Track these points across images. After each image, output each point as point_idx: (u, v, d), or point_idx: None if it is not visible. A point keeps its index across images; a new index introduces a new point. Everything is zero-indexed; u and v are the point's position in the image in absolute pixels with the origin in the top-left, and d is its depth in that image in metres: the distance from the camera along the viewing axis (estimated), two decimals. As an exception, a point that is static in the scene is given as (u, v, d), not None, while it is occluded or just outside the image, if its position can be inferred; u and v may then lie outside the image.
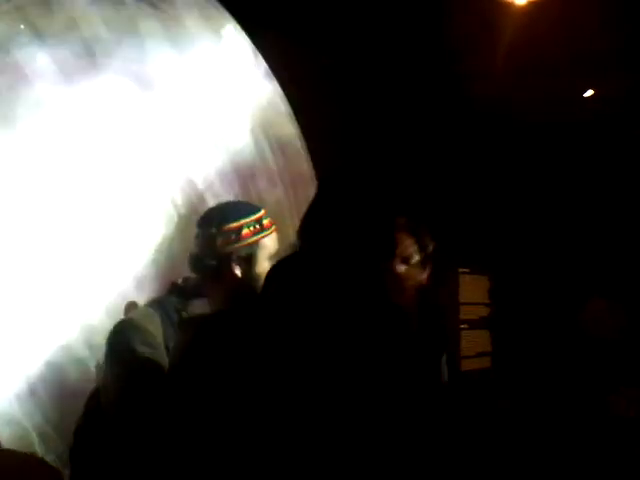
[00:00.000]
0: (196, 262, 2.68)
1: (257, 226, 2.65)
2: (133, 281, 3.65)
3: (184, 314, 2.58)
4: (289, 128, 5.25)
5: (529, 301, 6.30)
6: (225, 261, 2.62)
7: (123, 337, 2.49)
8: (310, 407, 1.73)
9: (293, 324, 1.81)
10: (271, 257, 2.65)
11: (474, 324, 6.67)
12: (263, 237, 2.66)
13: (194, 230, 3.62)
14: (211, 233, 2.65)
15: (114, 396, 2.42)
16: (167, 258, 3.82)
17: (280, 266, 2.01)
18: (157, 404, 2.18)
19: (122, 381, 2.41)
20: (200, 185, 4.17)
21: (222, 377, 1.83)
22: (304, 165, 5.36)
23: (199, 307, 2.61)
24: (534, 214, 6.38)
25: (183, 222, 3.96)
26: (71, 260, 3.40)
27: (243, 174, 4.51)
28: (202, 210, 4.09)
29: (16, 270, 3.20)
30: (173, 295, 2.67)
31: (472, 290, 6.91)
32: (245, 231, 2.63)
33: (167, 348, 2.48)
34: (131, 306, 3.60)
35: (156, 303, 2.64)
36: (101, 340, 3.44)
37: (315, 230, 2.04)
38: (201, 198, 4.13)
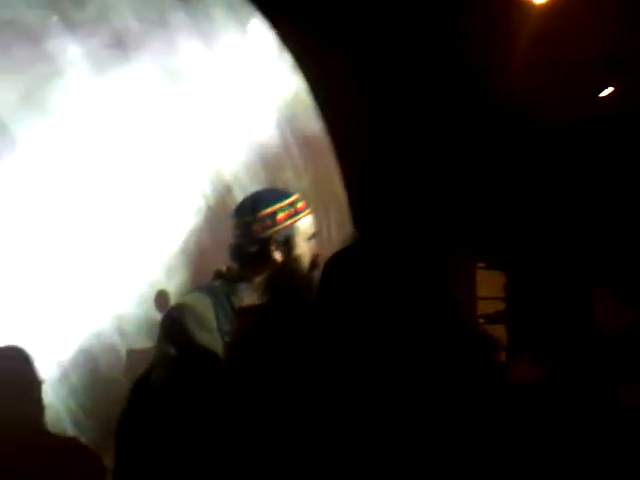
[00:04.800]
0: (236, 252, 2.69)
1: (291, 209, 2.66)
2: (163, 270, 3.68)
3: (233, 298, 2.59)
4: (314, 122, 5.27)
5: (544, 295, 6.30)
6: (264, 247, 2.62)
7: (178, 320, 2.49)
8: (368, 402, 1.74)
9: (352, 318, 1.81)
10: (308, 239, 2.67)
11: (490, 318, 6.68)
12: (298, 219, 2.67)
13: (222, 220, 3.65)
14: (247, 221, 2.65)
15: (167, 378, 2.44)
16: (196, 247, 3.85)
17: (338, 258, 2.01)
18: (210, 387, 2.21)
19: (177, 363, 2.43)
20: (227, 177, 4.19)
21: (280, 369, 1.84)
22: (328, 158, 5.39)
23: (246, 291, 2.62)
24: (549, 210, 6.37)
25: (212, 212, 3.99)
26: (102, 249, 3.43)
27: (269, 166, 4.53)
28: (230, 201, 4.13)
29: (49, 259, 3.23)
30: (219, 280, 2.68)
31: (488, 285, 6.93)
32: (280, 215, 2.63)
33: (220, 331, 2.50)
34: (161, 295, 3.64)
35: (205, 288, 2.64)
36: (131, 328, 3.49)
37: (375, 222, 2.05)
38: (228, 189, 4.15)
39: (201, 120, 4.16)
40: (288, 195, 2.73)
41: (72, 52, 3.52)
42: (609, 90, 6.41)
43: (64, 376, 3.19)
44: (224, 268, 2.76)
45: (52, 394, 3.10)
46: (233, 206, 3.88)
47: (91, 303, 3.33)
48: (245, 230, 2.67)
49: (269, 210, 2.65)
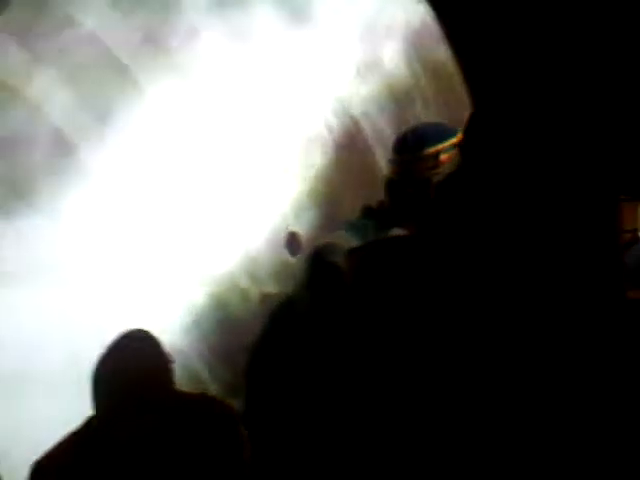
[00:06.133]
0: (392, 188, 2.59)
1: (455, 150, 2.52)
2: (291, 211, 3.61)
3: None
4: (442, 51, 5.10)
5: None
6: (423, 188, 2.51)
7: (326, 259, 2.45)
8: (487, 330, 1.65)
9: (461, 243, 1.71)
10: None
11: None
12: None
13: (351, 157, 3.55)
14: (408, 158, 2.53)
15: (314, 317, 2.39)
16: (325, 186, 3.77)
17: (445, 183, 1.90)
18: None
19: (325, 301, 2.38)
20: (355, 111, 4.08)
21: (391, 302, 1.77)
22: (457, 87, 5.21)
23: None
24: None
25: (339, 149, 3.90)
26: (231, 193, 3.39)
27: (397, 98, 4.40)
28: (357, 136, 4.02)
29: (179, 204, 3.21)
30: (368, 219, 2.60)
31: (630, 218, 6.70)
32: (443, 156, 2.50)
33: None
34: (291, 236, 3.58)
35: (353, 227, 2.57)
36: (261, 271, 3.44)
37: (479, 144, 1.92)
38: (356, 124, 4.04)
39: (327, 52, 4.05)
40: (452, 133, 2.56)
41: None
42: None
43: (196, 321, 3.18)
44: (374, 204, 2.66)
45: (185, 339, 3.11)
46: (360, 142, 3.80)
47: (222, 246, 3.30)
48: (405, 168, 2.54)
49: (432, 150, 2.51)
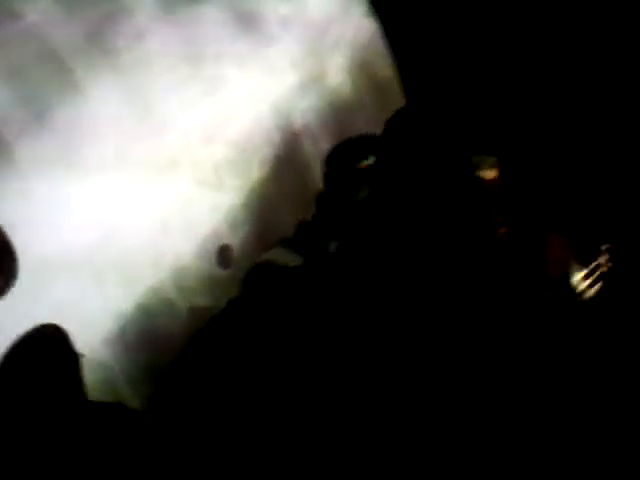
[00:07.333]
0: (324, 202, 2.59)
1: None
2: (225, 223, 3.57)
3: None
4: (387, 69, 5.11)
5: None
6: (351, 203, 2.52)
7: (262, 277, 2.44)
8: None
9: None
10: None
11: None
12: None
13: (290, 171, 3.54)
14: (341, 173, 2.54)
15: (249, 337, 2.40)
16: (261, 200, 3.74)
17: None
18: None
19: (263, 319, 2.38)
20: (297, 125, 4.06)
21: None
22: (401, 105, 5.22)
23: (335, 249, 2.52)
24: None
25: (279, 162, 3.87)
26: (163, 203, 3.34)
27: (340, 114, 4.39)
28: (297, 150, 4.01)
29: (112, 208, 3.16)
30: (304, 235, 2.59)
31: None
32: None
33: None
34: (223, 249, 3.54)
35: (289, 243, 2.56)
36: (191, 282, 3.39)
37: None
38: (297, 138, 4.03)
39: (271, 64, 4.03)
40: None
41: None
42: None
43: (121, 332, 3.11)
44: (310, 218, 2.66)
45: (108, 351, 3.04)
46: (301, 156, 3.78)
47: (149, 257, 3.24)
48: (335, 182, 2.55)
49: (366, 163, 2.52)
